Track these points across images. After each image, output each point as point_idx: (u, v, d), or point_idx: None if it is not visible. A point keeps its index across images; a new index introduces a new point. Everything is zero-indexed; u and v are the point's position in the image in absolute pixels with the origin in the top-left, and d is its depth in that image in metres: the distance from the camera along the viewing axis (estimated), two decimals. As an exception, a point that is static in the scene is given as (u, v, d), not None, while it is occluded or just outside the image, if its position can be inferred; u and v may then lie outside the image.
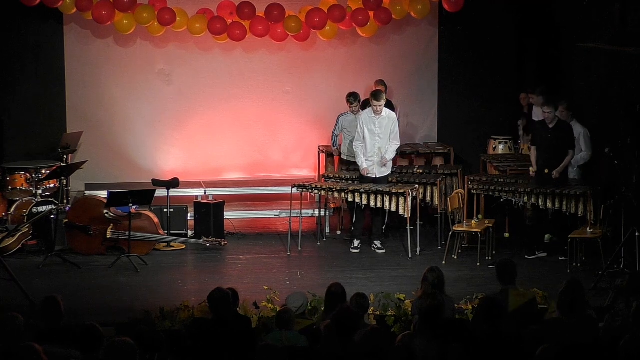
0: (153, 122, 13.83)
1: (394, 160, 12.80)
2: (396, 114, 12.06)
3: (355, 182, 11.81)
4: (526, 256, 11.20)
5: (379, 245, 11.68)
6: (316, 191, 11.82)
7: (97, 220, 11.43)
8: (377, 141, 11.53)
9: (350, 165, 12.29)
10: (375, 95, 11.53)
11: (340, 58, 14.02)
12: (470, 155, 13.80)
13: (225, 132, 13.95)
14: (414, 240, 11.47)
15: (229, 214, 12.40)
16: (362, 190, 11.41)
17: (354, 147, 11.73)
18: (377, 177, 11.63)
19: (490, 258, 11.09)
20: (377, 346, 6.25)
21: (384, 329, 7.73)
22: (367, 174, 11.62)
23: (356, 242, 11.75)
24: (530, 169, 11.51)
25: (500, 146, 13.27)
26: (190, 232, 12.12)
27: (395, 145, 11.66)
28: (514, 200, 11.25)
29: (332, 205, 12.67)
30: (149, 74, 13.77)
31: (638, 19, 11.58)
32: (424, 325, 6.84)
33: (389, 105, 13.22)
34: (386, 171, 11.71)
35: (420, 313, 7.07)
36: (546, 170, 11.10)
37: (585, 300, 7.51)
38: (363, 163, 11.63)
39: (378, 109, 11.48)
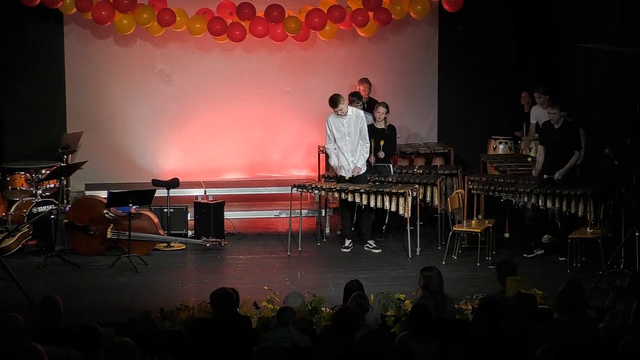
0: (153, 122, 13.84)
1: (394, 160, 12.83)
2: (368, 115, 12.00)
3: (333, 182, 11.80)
4: (524, 255, 11.19)
5: (374, 245, 11.67)
6: (316, 191, 11.82)
7: (97, 220, 11.43)
8: (348, 140, 11.52)
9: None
10: (332, 102, 11.45)
11: (340, 58, 14.02)
12: (470, 155, 13.79)
13: (225, 132, 13.95)
14: (414, 240, 11.47)
15: (229, 214, 12.40)
16: (362, 190, 11.41)
17: (326, 149, 11.76)
18: (354, 175, 11.59)
19: (490, 258, 11.09)
20: (376, 347, 6.25)
21: (384, 330, 7.72)
22: (337, 171, 11.64)
23: (347, 242, 11.75)
24: (533, 170, 11.48)
25: (501, 146, 13.27)
26: (190, 232, 12.12)
27: (365, 147, 11.56)
28: (514, 200, 11.24)
29: (332, 205, 12.66)
30: (149, 74, 13.77)
31: (638, 19, 11.58)
32: (414, 326, 6.81)
33: (372, 103, 13.19)
34: (362, 170, 11.67)
35: (410, 314, 7.06)
36: (545, 176, 11.05)
37: (585, 300, 7.51)
38: (336, 162, 11.62)
39: (339, 113, 11.46)
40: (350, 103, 12.07)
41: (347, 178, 11.55)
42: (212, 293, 7.36)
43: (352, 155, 11.56)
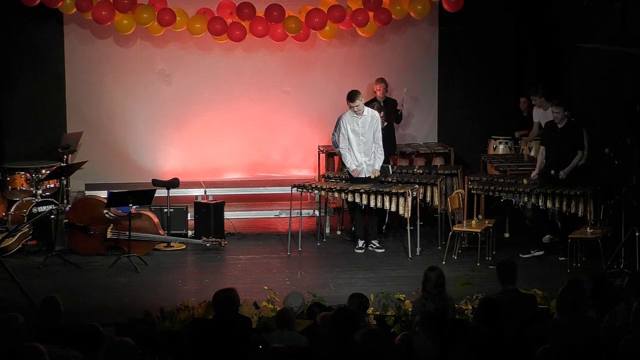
0: (153, 122, 13.83)
1: (394, 160, 12.83)
2: (401, 108, 12.04)
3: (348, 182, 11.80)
4: (520, 255, 11.17)
5: (377, 245, 11.67)
6: (316, 191, 11.81)
7: (97, 220, 11.43)
8: (362, 140, 11.51)
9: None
10: (350, 96, 11.49)
11: (340, 58, 14.02)
12: (470, 155, 13.79)
13: (225, 132, 13.95)
14: (414, 240, 11.46)
15: (229, 214, 12.40)
16: (362, 190, 11.40)
17: (340, 149, 11.73)
18: (368, 176, 11.60)
19: (490, 258, 11.08)
20: (375, 347, 6.24)
21: (382, 330, 7.71)
22: (358, 174, 11.60)
23: (360, 243, 11.73)
24: (533, 172, 11.46)
25: (501, 146, 13.27)
26: (190, 232, 12.12)
27: (380, 151, 11.56)
28: (514, 200, 11.24)
29: (332, 205, 12.66)
30: (149, 74, 13.77)
31: (638, 19, 11.58)
32: (429, 326, 6.80)
33: (390, 102, 13.21)
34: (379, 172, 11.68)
35: (426, 314, 7.05)
36: (552, 172, 11.04)
37: (585, 300, 7.50)
38: (351, 164, 11.62)
39: (356, 109, 11.46)
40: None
41: (372, 177, 11.54)
42: (215, 294, 7.33)
43: (366, 155, 11.55)
